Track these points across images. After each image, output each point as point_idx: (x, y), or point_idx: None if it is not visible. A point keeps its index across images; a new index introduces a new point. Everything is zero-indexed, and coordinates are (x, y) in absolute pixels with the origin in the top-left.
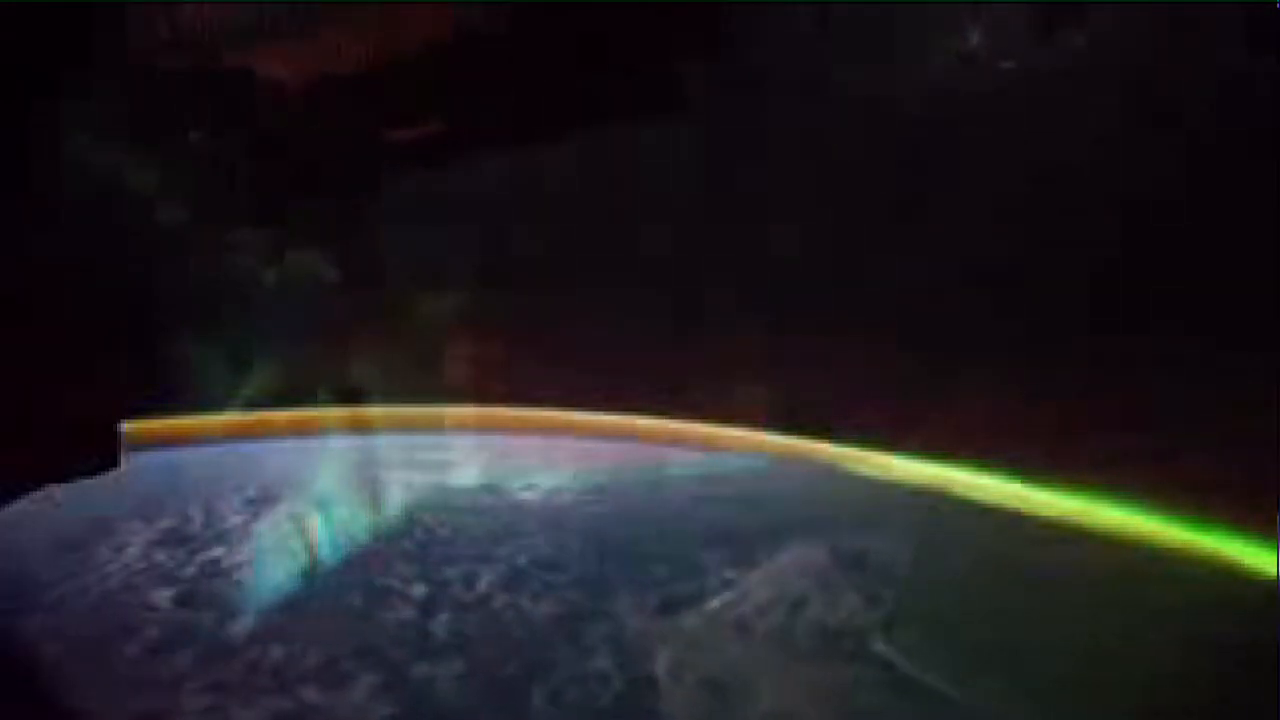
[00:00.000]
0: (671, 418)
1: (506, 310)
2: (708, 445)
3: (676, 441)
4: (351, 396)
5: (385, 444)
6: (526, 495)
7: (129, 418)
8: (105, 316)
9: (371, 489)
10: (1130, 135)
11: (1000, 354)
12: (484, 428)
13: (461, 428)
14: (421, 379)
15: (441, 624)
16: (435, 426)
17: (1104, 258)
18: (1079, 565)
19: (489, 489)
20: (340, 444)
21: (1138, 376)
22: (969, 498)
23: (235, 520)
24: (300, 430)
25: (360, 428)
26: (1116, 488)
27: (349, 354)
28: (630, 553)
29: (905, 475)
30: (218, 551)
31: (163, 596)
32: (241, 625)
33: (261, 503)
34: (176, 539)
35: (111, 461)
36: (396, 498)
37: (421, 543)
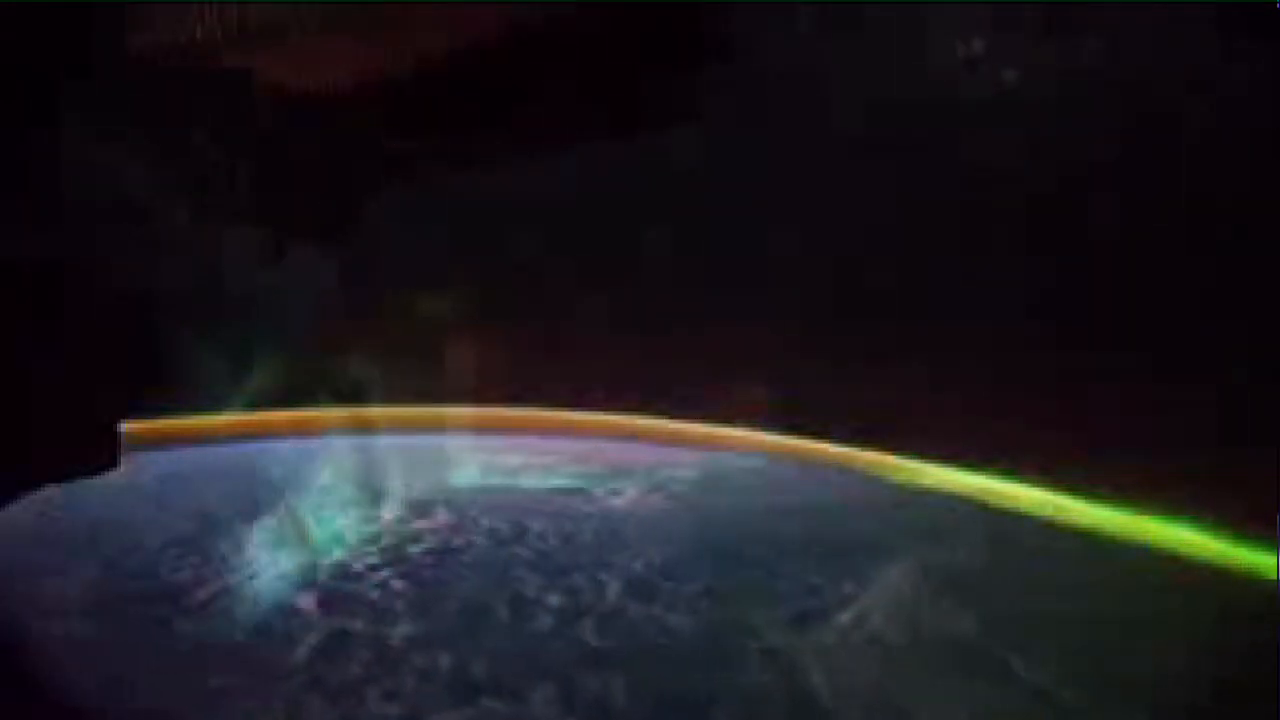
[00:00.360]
0: (678, 419)
1: (507, 311)
2: (708, 445)
3: (677, 442)
4: (354, 395)
5: (449, 445)
6: (616, 501)
7: (129, 418)
8: (105, 316)
9: (459, 491)
10: (1132, 139)
11: (1002, 360)
12: (484, 428)
13: (473, 429)
14: (424, 379)
15: (590, 634)
16: (438, 427)
17: (1106, 263)
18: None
19: (577, 493)
20: (405, 445)
21: (1137, 380)
22: (1003, 506)
23: (343, 521)
24: (327, 430)
25: (403, 427)
26: (1129, 495)
27: (351, 353)
28: (739, 562)
29: (943, 483)
30: (339, 555)
31: (305, 600)
32: (400, 631)
33: (358, 504)
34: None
35: (111, 461)
36: (487, 501)
37: (537, 549)
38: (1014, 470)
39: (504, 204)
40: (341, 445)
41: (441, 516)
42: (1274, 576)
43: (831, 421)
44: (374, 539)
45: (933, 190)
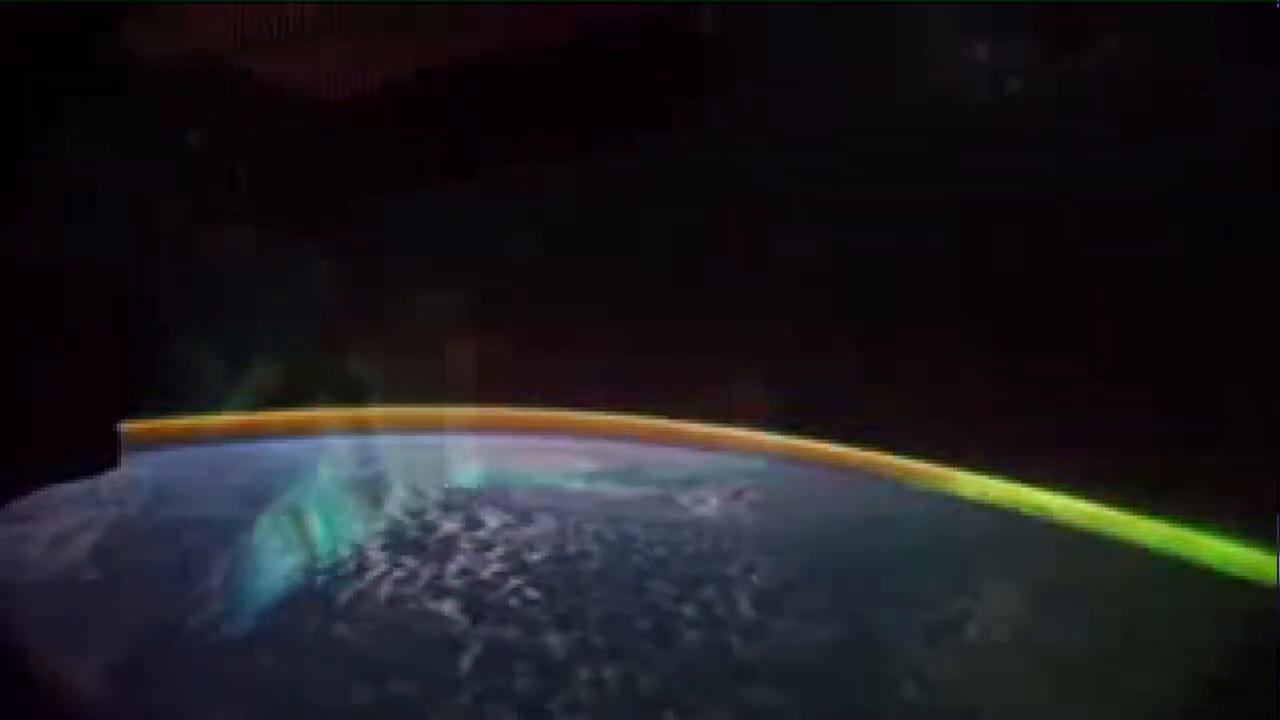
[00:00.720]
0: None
1: (506, 311)
2: (710, 445)
3: (679, 442)
4: (358, 395)
5: (509, 447)
6: (703, 510)
7: (129, 418)
8: (105, 316)
9: (553, 496)
10: (1134, 141)
11: (998, 362)
12: (487, 428)
13: (477, 429)
14: (423, 379)
15: (738, 648)
16: (449, 428)
17: (1103, 266)
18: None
19: (660, 500)
20: (458, 446)
21: (1138, 381)
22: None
23: (451, 526)
24: (346, 431)
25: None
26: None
27: (355, 353)
28: (846, 573)
29: (982, 492)
30: (463, 560)
31: (448, 608)
32: (554, 642)
33: (459, 508)
34: (404, 544)
35: (112, 461)
36: (580, 507)
37: (650, 558)
38: (1014, 472)
39: (504, 204)
40: (397, 447)
41: (545, 522)
42: (1274, 577)
43: (833, 422)
44: (487, 545)
45: (935, 194)
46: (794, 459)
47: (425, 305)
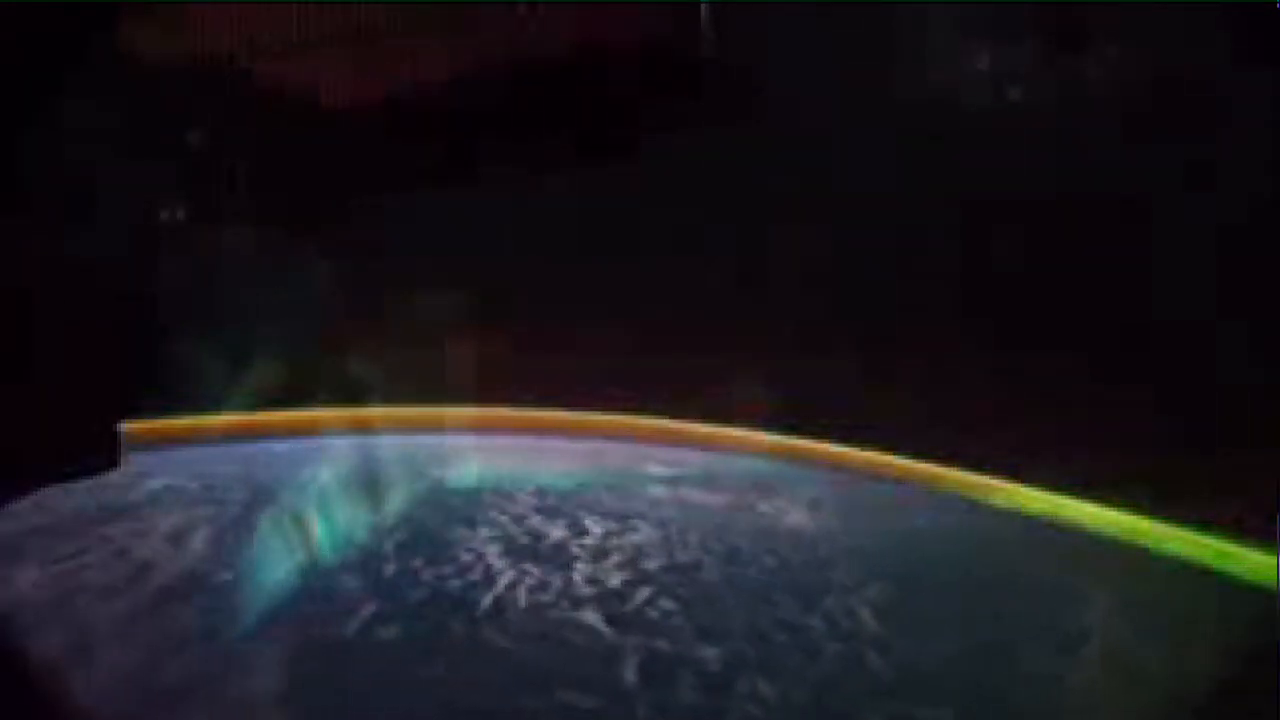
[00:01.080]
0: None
1: (505, 311)
2: (710, 446)
3: (680, 442)
4: (360, 394)
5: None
6: (789, 520)
7: (129, 418)
8: (105, 316)
9: (648, 504)
10: (1138, 143)
11: (998, 362)
12: (486, 428)
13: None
14: (424, 378)
15: (872, 662)
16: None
17: (1103, 266)
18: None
19: (745, 508)
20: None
21: (1138, 381)
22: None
23: (558, 532)
24: (350, 430)
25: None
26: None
27: (359, 353)
28: (948, 585)
29: (1012, 501)
30: (584, 569)
31: (590, 617)
32: (705, 654)
33: (558, 513)
34: (519, 550)
35: (112, 461)
36: (674, 515)
37: (762, 568)
38: (1012, 471)
39: (504, 204)
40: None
41: (646, 530)
42: (1274, 577)
43: (833, 423)
44: (602, 552)
45: (935, 194)
46: (844, 467)
47: (425, 305)
